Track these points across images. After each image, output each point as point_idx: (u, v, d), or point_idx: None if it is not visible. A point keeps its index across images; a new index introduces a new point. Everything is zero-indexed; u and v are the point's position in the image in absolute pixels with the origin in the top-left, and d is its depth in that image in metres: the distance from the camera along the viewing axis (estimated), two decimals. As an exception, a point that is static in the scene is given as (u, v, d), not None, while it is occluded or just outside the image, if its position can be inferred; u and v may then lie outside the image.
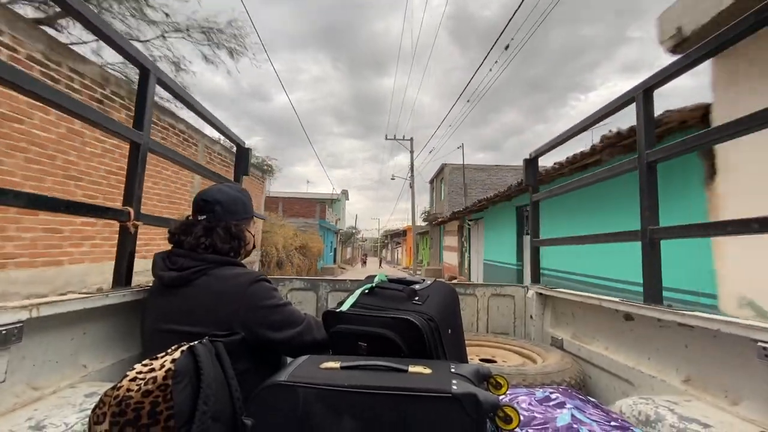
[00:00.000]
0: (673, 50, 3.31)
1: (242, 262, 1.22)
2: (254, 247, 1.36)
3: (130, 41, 1.23)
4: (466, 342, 1.90)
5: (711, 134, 1.08)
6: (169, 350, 0.89)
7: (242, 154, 2.13)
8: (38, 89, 0.91)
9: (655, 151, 1.25)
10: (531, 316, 2.12)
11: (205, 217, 1.16)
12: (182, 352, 0.82)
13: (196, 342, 0.87)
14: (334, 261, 27.69)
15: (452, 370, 0.83)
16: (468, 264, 13.84)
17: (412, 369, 0.81)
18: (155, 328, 1.08)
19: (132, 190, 1.25)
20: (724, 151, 3.22)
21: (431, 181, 23.98)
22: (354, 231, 45.82)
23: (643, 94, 1.31)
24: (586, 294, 1.64)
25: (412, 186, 21.47)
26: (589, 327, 1.69)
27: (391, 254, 47.82)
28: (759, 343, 0.88)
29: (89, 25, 1.07)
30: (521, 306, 2.20)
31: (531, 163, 2.20)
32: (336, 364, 0.85)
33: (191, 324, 1.04)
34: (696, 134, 1.11)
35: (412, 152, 21.71)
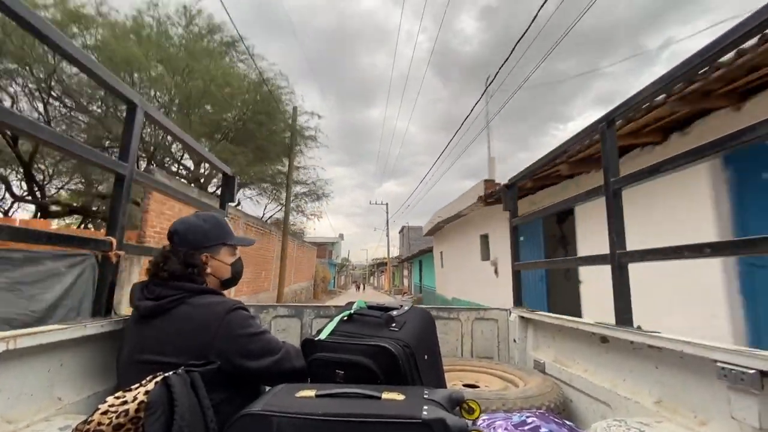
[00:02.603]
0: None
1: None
2: (234, 275, 1.31)
3: (115, 76, 1.28)
4: (451, 367, 1.91)
5: (666, 163, 1.16)
6: (143, 382, 0.90)
7: (228, 183, 2.17)
8: (22, 125, 0.95)
9: (619, 179, 1.33)
10: (514, 340, 2.14)
11: (168, 245, 1.21)
12: (156, 383, 0.83)
13: (170, 373, 0.88)
14: (334, 286, 38.68)
15: (425, 395, 0.85)
16: (411, 286, 27.04)
17: (385, 396, 0.83)
18: (131, 360, 1.08)
19: (116, 220, 1.27)
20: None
21: (400, 231, 36.36)
22: (347, 263, 59.28)
23: (607, 126, 1.40)
24: (564, 317, 1.68)
25: (387, 235, 32.35)
26: (569, 350, 1.72)
27: (377, 280, 58.37)
28: (717, 363, 0.92)
29: (77, 62, 1.12)
30: (504, 329, 2.22)
31: (509, 189, 2.27)
32: (311, 393, 0.87)
33: (167, 354, 1.03)
34: (654, 164, 1.19)
35: (387, 214, 32.55)
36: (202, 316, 1.08)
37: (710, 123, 3.26)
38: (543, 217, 8.80)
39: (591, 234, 5.23)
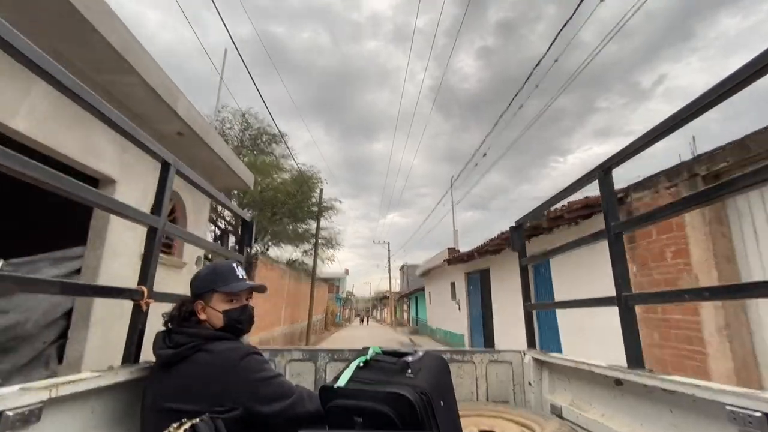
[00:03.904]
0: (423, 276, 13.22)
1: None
2: (228, 323, 1.27)
3: (149, 137, 1.42)
4: (467, 413, 1.90)
5: (664, 210, 1.23)
6: (171, 429, 0.95)
7: (246, 228, 2.28)
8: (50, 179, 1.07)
9: (618, 224, 1.40)
10: (529, 383, 2.12)
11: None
12: (185, 430, 0.88)
13: (197, 419, 0.93)
14: (340, 319, 41.85)
15: (442, 442, 0.89)
16: (410, 319, 30.22)
17: (404, 442, 0.87)
18: (153, 408, 1.11)
19: (147, 270, 1.36)
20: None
21: (400, 268, 39.31)
22: (351, 296, 64.26)
23: (603, 173, 1.48)
24: (577, 360, 1.69)
25: (389, 272, 37.13)
26: (585, 393, 1.71)
27: (379, 313, 60.20)
28: (727, 407, 0.94)
29: (116, 127, 1.25)
30: (519, 372, 2.20)
31: (517, 230, 2.34)
32: (333, 439, 0.91)
33: (186, 401, 1.07)
34: (650, 211, 1.26)
35: (389, 252, 37.30)
36: (217, 362, 1.13)
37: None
38: (480, 273, 10.51)
39: (500, 290, 9.01)
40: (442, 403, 1.11)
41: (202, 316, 1.26)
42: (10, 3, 2.36)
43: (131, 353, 1.30)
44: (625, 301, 1.35)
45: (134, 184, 3.69)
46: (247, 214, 2.29)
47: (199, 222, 5.40)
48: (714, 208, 3.54)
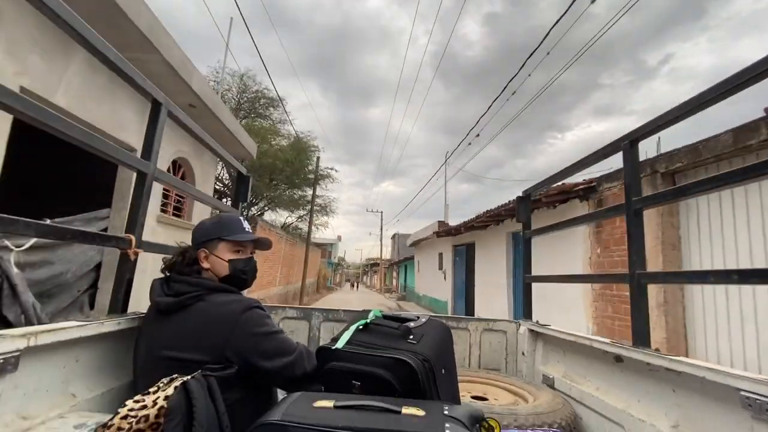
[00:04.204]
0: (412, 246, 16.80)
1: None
2: (233, 272, 1.24)
3: (142, 76, 1.29)
4: (459, 378, 1.90)
5: (686, 189, 1.15)
6: (161, 384, 0.90)
7: (242, 182, 2.17)
8: (47, 119, 0.95)
9: (640, 199, 1.32)
10: (523, 353, 2.12)
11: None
12: (175, 388, 0.83)
13: (189, 377, 0.88)
14: (331, 283, 43.90)
15: (445, 412, 0.84)
16: (398, 286, 31.00)
17: (405, 410, 0.82)
18: (149, 355, 1.09)
19: (135, 218, 1.27)
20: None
21: (392, 237, 39.48)
22: (343, 262, 66.92)
23: (629, 145, 1.38)
24: (577, 333, 1.66)
25: (381, 241, 38.41)
26: (580, 366, 1.71)
27: (369, 279, 61.33)
28: (741, 393, 0.91)
29: (106, 60, 1.13)
30: (513, 342, 2.20)
31: (523, 200, 2.26)
32: (329, 403, 0.86)
33: (185, 350, 1.04)
34: (673, 188, 1.17)
35: (382, 221, 38.61)
36: (219, 313, 1.09)
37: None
38: (466, 246, 10.91)
39: (482, 264, 9.70)
40: (443, 371, 1.07)
41: (205, 265, 1.23)
42: None
43: (118, 304, 1.24)
44: (638, 279, 1.29)
45: None
46: (243, 167, 2.18)
47: (206, 187, 5.91)
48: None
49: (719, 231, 3.51)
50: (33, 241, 2.80)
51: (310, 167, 15.89)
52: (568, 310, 5.45)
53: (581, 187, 5.28)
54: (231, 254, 1.25)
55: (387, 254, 41.10)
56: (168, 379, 0.88)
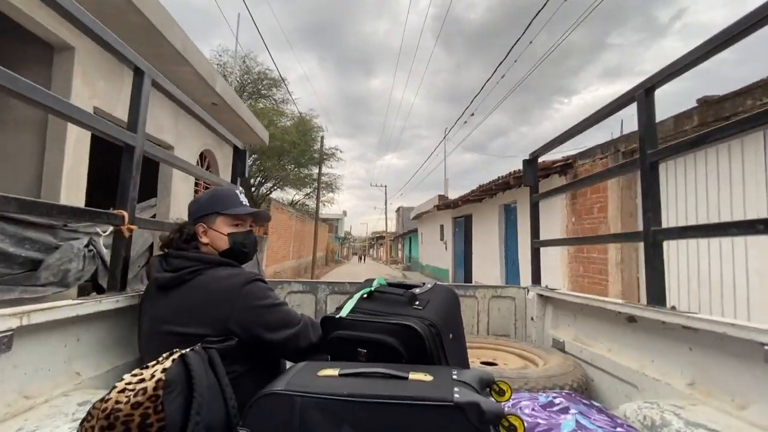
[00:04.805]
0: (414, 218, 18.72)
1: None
2: (233, 246, 1.21)
3: (123, 43, 1.21)
4: (467, 344, 1.88)
5: (707, 136, 1.07)
6: (160, 359, 0.87)
7: (239, 157, 2.11)
8: (29, 92, 0.89)
9: (656, 152, 1.24)
10: (532, 318, 2.10)
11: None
12: (174, 360, 0.80)
13: (187, 350, 0.85)
14: (339, 257, 44.05)
15: (454, 376, 0.81)
16: (404, 257, 31.26)
17: (412, 376, 0.79)
18: (153, 331, 1.07)
19: (126, 194, 1.22)
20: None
21: (396, 210, 41.23)
22: (349, 236, 68.85)
23: (645, 93, 1.29)
24: (588, 296, 1.62)
25: (386, 215, 38.76)
26: (591, 329, 1.68)
27: (375, 252, 62.86)
28: (766, 347, 0.86)
29: (85, 29, 1.05)
30: (522, 308, 2.18)
31: (530, 163, 2.18)
32: (334, 372, 0.83)
33: (187, 324, 1.02)
34: (693, 136, 1.09)
35: (386, 196, 39.51)
36: (220, 287, 1.07)
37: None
38: (465, 218, 12.02)
39: (479, 233, 10.43)
40: (451, 336, 1.03)
41: (204, 240, 1.19)
42: (109, 22, 2.92)
43: (116, 281, 1.21)
44: (653, 236, 1.23)
45: (185, 147, 4.93)
46: (239, 142, 2.11)
47: (226, 174, 6.15)
48: (626, 176, 4.54)
49: (673, 199, 4.07)
50: (111, 228, 3.12)
51: (315, 147, 16.50)
52: (549, 271, 5.60)
53: (560, 163, 5.99)
54: (230, 228, 1.22)
55: (392, 227, 41.77)
56: (167, 354, 0.86)
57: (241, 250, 1.23)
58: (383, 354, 0.95)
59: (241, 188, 1.83)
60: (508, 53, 9.19)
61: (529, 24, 8.19)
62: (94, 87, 3.39)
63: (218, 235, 1.20)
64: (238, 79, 15.07)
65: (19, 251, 2.39)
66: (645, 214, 1.26)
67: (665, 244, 1.23)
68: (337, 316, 1.03)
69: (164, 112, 4.41)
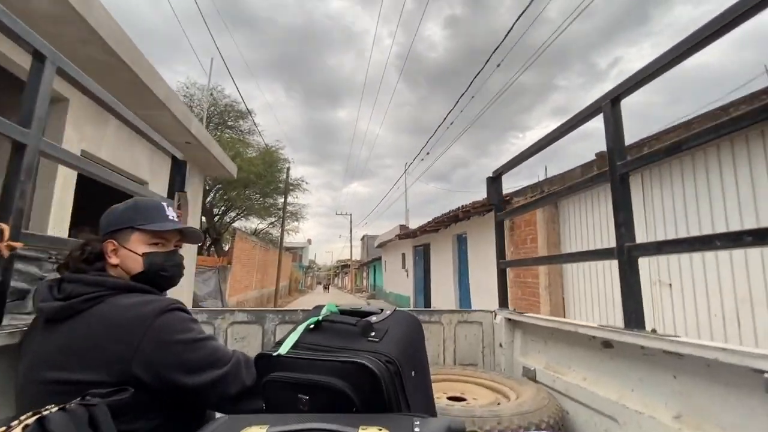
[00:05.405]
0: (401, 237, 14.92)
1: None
2: (149, 268, 0.98)
3: (22, 23, 1.00)
4: (434, 377, 1.70)
5: (678, 144, 1.01)
6: (22, 417, 0.64)
7: (178, 168, 1.87)
8: None
9: (626, 163, 1.17)
10: (500, 345, 1.96)
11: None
12: (26, 426, 0.57)
13: (54, 409, 0.62)
14: (303, 286, 43.41)
15: (416, 429, 0.64)
16: (368, 285, 31.27)
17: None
18: (28, 379, 0.82)
19: (10, 202, 0.97)
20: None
21: (361, 239, 40.30)
22: (314, 265, 68.83)
23: (611, 104, 1.24)
24: (559, 319, 1.52)
25: (350, 242, 38.91)
26: (564, 355, 1.56)
27: (341, 281, 61.37)
28: (766, 375, 0.76)
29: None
30: (489, 333, 2.04)
31: (494, 181, 2.11)
32: (262, 430, 0.63)
33: (75, 370, 0.79)
34: (664, 145, 1.03)
35: (351, 224, 38.96)
36: (124, 318, 0.83)
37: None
38: (424, 246, 12.72)
39: (436, 261, 11.09)
40: (413, 372, 0.86)
41: (113, 260, 0.96)
42: (96, 75, 3.28)
43: (-13, 315, 0.94)
44: (627, 252, 1.14)
45: (159, 182, 5.01)
46: (178, 152, 1.88)
47: (195, 208, 6.84)
48: (550, 212, 5.45)
49: (584, 232, 4.94)
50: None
51: (281, 177, 16.74)
52: (494, 295, 5.95)
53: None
54: (147, 247, 0.99)
55: (357, 255, 41.71)
56: (24, 416, 0.62)
57: (159, 274, 1.00)
58: (329, 400, 0.75)
59: (170, 200, 1.60)
60: (466, 90, 9.68)
61: (486, 63, 8.67)
62: (82, 131, 3.69)
63: (131, 254, 0.97)
64: (204, 110, 15.32)
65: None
66: (618, 229, 1.18)
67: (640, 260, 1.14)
68: (275, 353, 0.83)
69: (142, 153, 4.79)
